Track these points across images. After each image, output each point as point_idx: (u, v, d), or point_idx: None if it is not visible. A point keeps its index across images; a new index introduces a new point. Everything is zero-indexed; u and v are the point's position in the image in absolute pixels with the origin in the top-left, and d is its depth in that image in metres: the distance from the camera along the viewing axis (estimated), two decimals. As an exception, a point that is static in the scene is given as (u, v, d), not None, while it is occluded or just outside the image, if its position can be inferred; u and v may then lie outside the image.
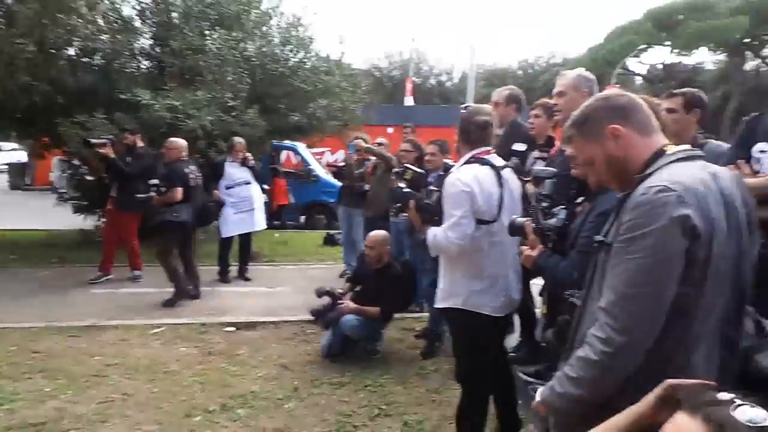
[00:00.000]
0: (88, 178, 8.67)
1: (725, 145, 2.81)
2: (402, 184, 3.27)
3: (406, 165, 4.28)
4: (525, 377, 3.48)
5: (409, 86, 26.81)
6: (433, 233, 2.68)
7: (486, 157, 2.70)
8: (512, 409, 2.99)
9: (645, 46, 37.43)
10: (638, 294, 1.37)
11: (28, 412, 3.34)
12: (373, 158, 6.15)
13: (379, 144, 6.00)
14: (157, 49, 8.04)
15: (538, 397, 1.58)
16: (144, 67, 8.57)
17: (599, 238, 1.59)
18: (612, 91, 1.73)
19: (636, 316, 1.37)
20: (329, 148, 15.40)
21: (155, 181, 5.79)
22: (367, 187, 6.12)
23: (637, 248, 1.38)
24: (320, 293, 4.39)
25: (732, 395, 1.04)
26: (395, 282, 4.33)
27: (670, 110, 2.77)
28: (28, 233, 9.82)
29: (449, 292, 2.73)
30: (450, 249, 2.61)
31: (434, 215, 2.77)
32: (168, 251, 5.74)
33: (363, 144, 6.08)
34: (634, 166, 1.52)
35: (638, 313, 1.37)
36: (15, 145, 22.88)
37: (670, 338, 1.41)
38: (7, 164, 19.99)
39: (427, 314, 4.89)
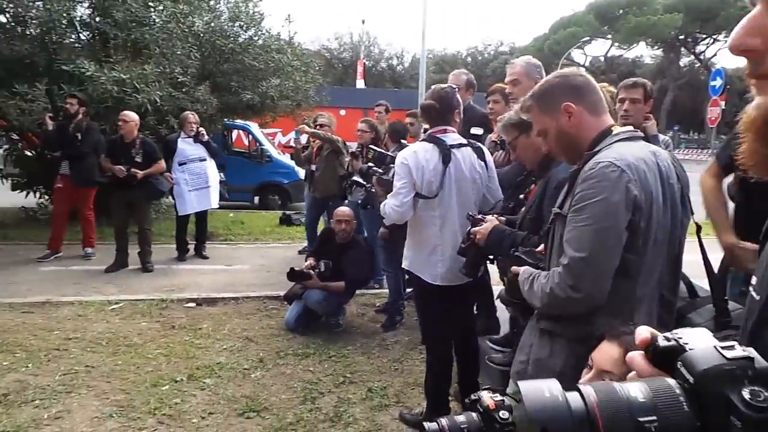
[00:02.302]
0: (28, 153, 8.31)
1: (665, 137, 3.19)
2: (369, 164, 3.43)
3: (370, 146, 4.44)
4: (490, 345, 3.70)
5: (360, 69, 26.74)
6: (383, 204, 2.93)
7: (439, 135, 2.87)
8: (472, 376, 3.22)
9: (588, 38, 38.75)
10: (588, 257, 1.55)
11: (-11, 385, 3.30)
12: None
13: (321, 126, 6.02)
14: (98, 20, 7.72)
15: (521, 272, 1.79)
16: (84, 38, 8.22)
17: (555, 210, 1.78)
18: (571, 69, 1.91)
19: (586, 277, 1.56)
20: (281, 129, 15.27)
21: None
22: (314, 167, 6.14)
23: (583, 216, 1.56)
24: (294, 276, 4.41)
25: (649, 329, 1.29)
26: (359, 257, 4.49)
27: (633, 100, 2.96)
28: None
29: (405, 255, 3.02)
30: (391, 215, 2.85)
31: (391, 188, 2.97)
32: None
33: (307, 128, 6.12)
34: (584, 142, 1.69)
35: (588, 273, 1.56)
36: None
37: (617, 298, 1.62)
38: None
39: (386, 290, 5.07)
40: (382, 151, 4.34)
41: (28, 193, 8.26)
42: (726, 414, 0.54)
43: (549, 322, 1.76)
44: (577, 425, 0.55)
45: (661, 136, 3.18)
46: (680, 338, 0.61)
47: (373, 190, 3.56)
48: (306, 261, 4.67)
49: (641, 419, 0.56)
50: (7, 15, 7.34)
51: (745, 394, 0.54)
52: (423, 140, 2.94)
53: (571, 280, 1.57)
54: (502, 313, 3.87)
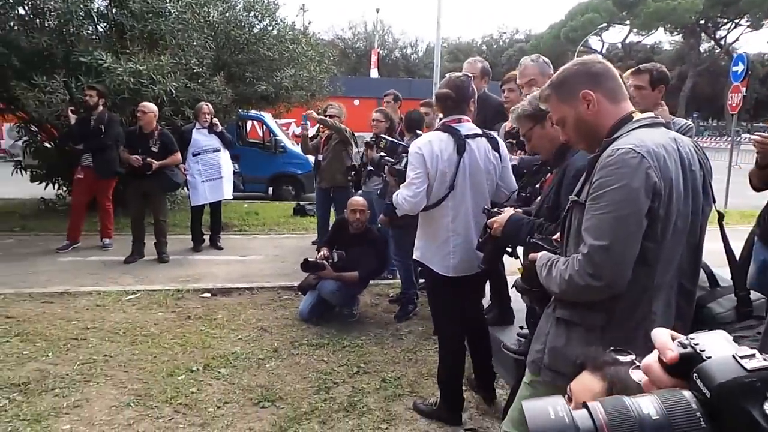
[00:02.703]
0: (47, 145, 8.42)
1: (689, 122, 3.05)
2: (381, 153, 3.41)
3: (381, 136, 4.41)
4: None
5: (374, 58, 26.62)
6: (396, 194, 2.90)
7: (454, 125, 2.84)
8: (486, 364, 3.21)
9: (605, 24, 38.08)
10: (608, 246, 1.51)
11: (10, 373, 3.35)
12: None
13: (331, 116, 5.92)
14: (115, 11, 7.77)
15: (539, 258, 1.76)
16: (102, 29, 8.28)
17: (573, 197, 1.74)
18: (589, 57, 1.86)
19: (607, 265, 1.52)
20: (295, 120, 15.28)
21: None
22: (321, 157, 6.07)
23: (602, 204, 1.52)
24: (307, 267, 4.40)
25: (632, 357, 1.23)
26: (373, 247, 4.47)
27: (637, 87, 2.93)
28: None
29: (416, 246, 3.01)
30: (404, 206, 2.82)
31: (404, 178, 2.96)
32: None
33: (315, 115, 5.99)
34: (603, 130, 1.66)
35: (609, 262, 1.52)
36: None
37: (636, 287, 1.59)
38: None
39: (399, 280, 5.06)
40: (394, 140, 4.31)
41: (47, 184, 8.38)
42: (746, 428, 0.51)
43: (566, 311, 1.73)
44: None
45: (681, 121, 3.08)
46: (697, 344, 0.57)
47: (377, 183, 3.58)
48: (319, 251, 4.67)
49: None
50: (26, 7, 7.41)
51: (767, 408, 0.51)
52: (437, 130, 2.90)
53: (591, 268, 1.54)
54: (515, 303, 3.84)
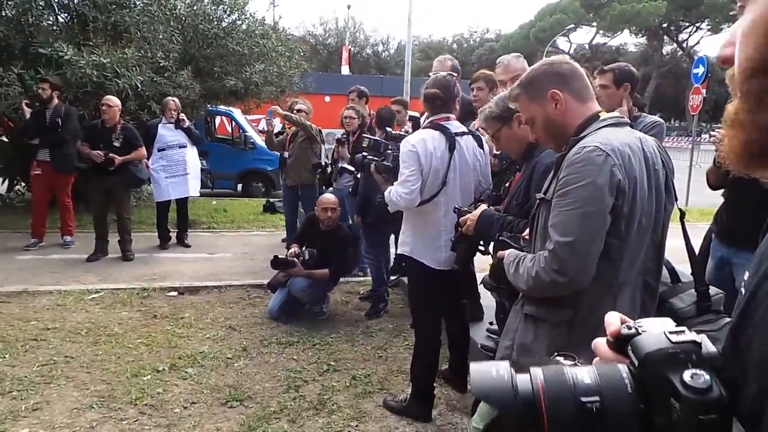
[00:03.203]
0: (4, 139, 8.11)
1: (658, 119, 3.08)
2: (363, 153, 3.40)
3: (364, 135, 4.36)
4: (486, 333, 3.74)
5: (345, 55, 26.49)
6: (388, 190, 2.90)
7: (443, 123, 2.88)
8: (464, 358, 3.24)
9: (573, 25, 38.84)
10: (573, 242, 1.54)
11: (-36, 377, 3.23)
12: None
13: (299, 111, 5.83)
14: (76, 1, 7.52)
15: (506, 255, 1.79)
16: (63, 20, 8.00)
17: (540, 195, 1.77)
18: (557, 57, 1.89)
19: (572, 261, 1.55)
20: (264, 116, 15.10)
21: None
22: (286, 154, 5.99)
23: (569, 201, 1.55)
24: (277, 264, 4.35)
25: (574, 361, 1.27)
26: (344, 244, 4.46)
27: (602, 86, 2.99)
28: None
29: (403, 241, 3.01)
30: (399, 203, 2.83)
31: (394, 174, 2.98)
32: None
33: (280, 110, 5.85)
34: (570, 129, 1.69)
35: (574, 258, 1.55)
36: None
37: (600, 283, 1.62)
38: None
39: (370, 278, 5.05)
40: (378, 138, 4.26)
41: (4, 180, 8.08)
42: (667, 395, 0.55)
43: (533, 307, 1.75)
44: (521, 405, 0.58)
45: (650, 118, 3.13)
46: (640, 326, 0.62)
47: (359, 177, 3.56)
48: (289, 249, 4.61)
49: (584, 399, 0.59)
50: (-19, -4, 7.10)
51: (686, 376, 0.55)
52: (427, 128, 2.92)
53: (556, 264, 1.56)
54: (485, 300, 3.88)
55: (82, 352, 3.64)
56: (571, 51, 42.20)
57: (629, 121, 1.82)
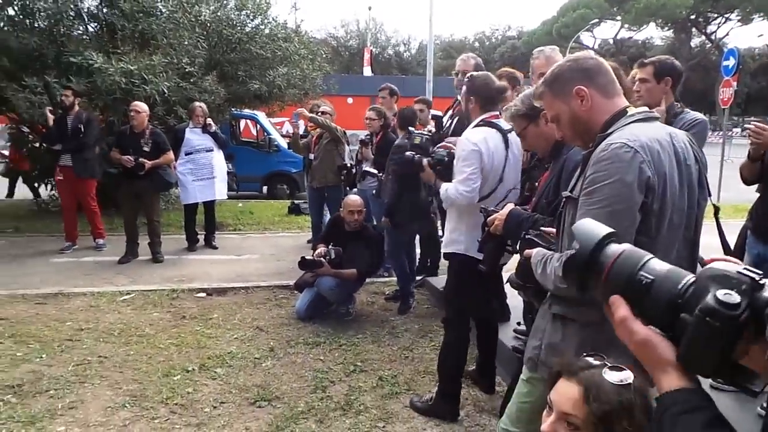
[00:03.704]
0: (37, 145, 8.36)
1: (699, 116, 2.88)
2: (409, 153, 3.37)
3: (413, 132, 4.31)
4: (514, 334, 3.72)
5: (367, 56, 26.57)
6: (445, 188, 2.90)
7: (494, 120, 2.90)
8: (491, 358, 3.22)
9: (597, 20, 38.19)
10: None
11: (4, 375, 3.33)
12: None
13: (323, 113, 5.88)
14: (105, 11, 7.72)
15: (534, 255, 1.76)
16: (92, 29, 8.22)
17: (566, 193, 1.74)
18: (582, 53, 1.86)
19: None
20: (289, 118, 15.24)
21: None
22: (312, 156, 6.02)
23: (596, 199, 1.52)
24: (305, 265, 4.38)
25: (603, 361, 1.25)
26: (369, 244, 4.47)
27: (642, 80, 2.86)
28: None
29: (454, 239, 3.00)
30: (459, 201, 2.83)
31: (449, 170, 2.99)
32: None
33: (306, 113, 5.92)
34: (596, 125, 1.65)
35: None
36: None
37: None
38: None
39: (395, 278, 5.05)
40: (428, 135, 4.16)
41: (39, 185, 8.32)
42: (698, 299, 0.68)
43: (561, 307, 1.73)
44: (599, 252, 0.84)
45: (692, 115, 2.89)
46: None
47: (383, 178, 3.54)
48: (315, 249, 4.64)
49: (642, 273, 0.77)
50: (16, 7, 7.34)
51: (721, 293, 0.65)
52: (480, 125, 2.90)
53: None
54: (511, 299, 3.84)
55: (115, 352, 3.73)
56: (596, 46, 41.51)
57: (658, 116, 1.77)
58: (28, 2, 7.19)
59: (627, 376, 1.17)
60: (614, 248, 0.82)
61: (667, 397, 0.77)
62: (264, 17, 9.53)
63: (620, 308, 0.81)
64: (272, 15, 9.73)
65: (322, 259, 4.35)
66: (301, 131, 6.56)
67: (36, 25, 7.48)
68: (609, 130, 1.62)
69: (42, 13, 7.35)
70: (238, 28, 8.97)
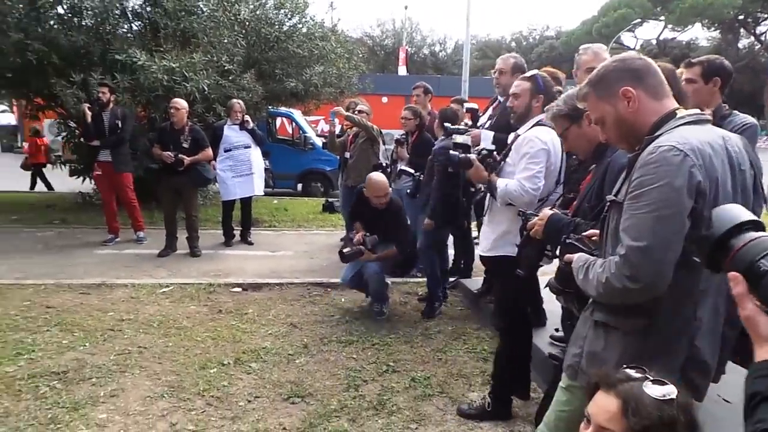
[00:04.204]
0: (82, 140, 8.66)
1: (750, 120, 2.76)
2: (482, 147, 3.33)
3: (447, 126, 4.24)
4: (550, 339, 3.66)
5: (402, 56, 26.53)
6: (505, 183, 2.83)
7: (547, 122, 2.83)
8: (527, 364, 3.19)
9: (639, 20, 37.17)
10: (646, 247, 1.45)
11: (49, 362, 3.46)
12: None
13: (360, 112, 5.88)
14: (149, 9, 7.93)
15: (575, 260, 1.72)
16: (136, 27, 8.46)
17: (610, 197, 1.69)
18: (628, 53, 1.81)
19: (645, 267, 1.46)
20: (324, 117, 15.37)
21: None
22: (347, 155, 6.03)
23: (643, 203, 1.47)
24: (347, 258, 4.40)
25: (645, 374, 1.19)
26: (397, 213, 4.50)
27: (688, 81, 2.74)
28: (26, 195, 9.85)
29: (503, 241, 2.93)
30: (522, 199, 2.76)
31: (496, 166, 2.96)
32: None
33: (343, 111, 5.92)
34: (644, 128, 1.59)
35: (647, 263, 1.46)
36: (4, 107, 22.58)
37: (679, 291, 1.53)
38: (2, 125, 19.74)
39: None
40: (462, 128, 4.11)
41: (84, 178, 8.62)
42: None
43: (603, 314, 1.68)
44: (732, 234, 1.01)
45: (742, 118, 2.77)
46: None
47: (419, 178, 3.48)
48: (354, 235, 4.57)
49: (762, 261, 0.91)
50: (65, 6, 7.62)
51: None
52: (542, 125, 2.84)
53: (628, 270, 1.48)
54: (548, 304, 3.77)
55: (154, 343, 3.83)
56: (637, 47, 40.40)
57: (710, 118, 1.70)
58: (76, 1, 7.47)
59: (670, 390, 1.13)
60: (748, 235, 0.95)
61: (755, 364, 0.93)
62: (301, 16, 9.65)
63: (738, 285, 0.95)
64: (309, 14, 9.87)
65: (361, 247, 4.36)
66: (336, 130, 6.60)
67: (83, 23, 7.75)
68: (657, 133, 1.57)
69: (89, 12, 7.61)
70: (276, 26, 9.09)
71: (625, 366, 1.29)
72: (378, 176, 4.58)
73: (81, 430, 2.79)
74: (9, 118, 19.79)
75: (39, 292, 4.72)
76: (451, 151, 3.16)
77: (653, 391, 1.14)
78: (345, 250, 4.40)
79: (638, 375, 1.21)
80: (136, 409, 3.00)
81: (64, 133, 8.80)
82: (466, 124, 4.35)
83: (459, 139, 3.40)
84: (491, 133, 3.84)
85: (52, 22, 7.53)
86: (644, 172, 1.48)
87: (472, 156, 3.08)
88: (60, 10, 7.71)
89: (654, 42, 41.15)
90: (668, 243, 1.47)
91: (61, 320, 4.12)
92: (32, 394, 3.09)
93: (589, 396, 1.29)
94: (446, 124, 4.30)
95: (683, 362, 1.64)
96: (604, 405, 1.20)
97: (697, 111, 1.68)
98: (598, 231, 1.82)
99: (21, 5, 7.03)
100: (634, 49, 39.29)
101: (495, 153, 3.06)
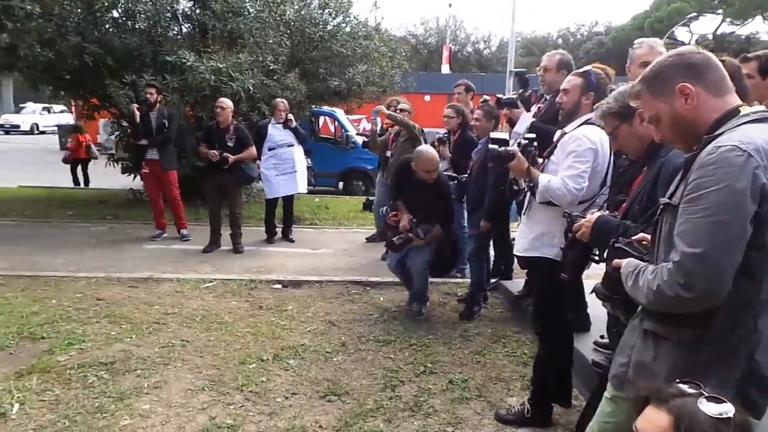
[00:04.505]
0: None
1: None
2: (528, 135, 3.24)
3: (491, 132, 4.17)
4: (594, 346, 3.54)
5: (446, 54, 26.37)
6: (548, 179, 2.73)
7: (596, 121, 2.73)
8: (569, 370, 3.08)
9: (695, 14, 35.63)
10: (703, 254, 1.36)
11: (98, 353, 3.59)
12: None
13: (402, 110, 5.84)
14: (198, 12, 8.14)
15: (624, 265, 1.63)
16: (186, 29, 8.71)
17: (664, 200, 1.59)
18: (686, 47, 1.70)
19: (701, 275, 1.37)
20: (366, 116, 15.43)
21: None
22: (389, 153, 5.98)
23: (700, 207, 1.37)
24: (396, 247, 4.34)
25: (699, 389, 1.10)
26: (439, 188, 4.39)
27: (746, 76, 2.64)
28: (81, 191, 10.33)
29: (540, 242, 2.84)
30: (564, 199, 2.67)
31: (536, 157, 2.87)
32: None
33: (385, 110, 5.89)
34: (703, 126, 1.49)
35: (703, 271, 1.36)
36: (63, 107, 23.82)
37: (738, 301, 1.43)
38: (57, 126, 20.74)
39: (468, 280, 4.95)
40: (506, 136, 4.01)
41: (134, 175, 8.94)
42: None
43: (653, 323, 1.59)
44: None
45: None
46: None
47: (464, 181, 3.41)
48: (391, 218, 4.52)
49: None
50: (119, 10, 7.92)
51: None
52: (590, 124, 2.75)
53: (682, 278, 1.39)
54: (592, 309, 3.64)
55: (196, 337, 3.92)
56: (692, 42, 38.74)
57: None
58: (130, 5, 7.76)
59: (726, 408, 1.05)
60: None
61: None
62: (345, 15, 9.70)
63: None
64: (353, 13, 9.89)
65: (409, 235, 4.28)
66: (377, 129, 6.59)
67: (137, 26, 8.04)
68: (718, 132, 1.46)
69: (142, 15, 7.90)
70: (321, 26, 9.17)
71: (678, 380, 1.21)
72: (428, 149, 4.43)
73: (125, 419, 2.88)
74: (68, 118, 20.82)
75: (90, 285, 4.92)
76: (491, 145, 3.06)
77: (709, 408, 1.06)
78: (395, 239, 4.32)
79: (693, 390, 1.13)
80: (177, 401, 3.07)
81: (117, 132, 9.16)
82: (518, 92, 4.23)
83: (495, 134, 3.31)
84: (530, 116, 3.74)
85: (107, 26, 7.85)
86: (702, 174, 1.39)
87: (514, 148, 2.98)
88: (115, 14, 8.02)
89: (710, 37, 39.32)
90: (727, 250, 1.37)
91: (110, 312, 4.27)
92: (81, 383, 3.21)
93: (638, 410, 1.22)
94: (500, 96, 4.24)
95: (741, 378, 1.53)
96: (654, 421, 1.13)
97: (763, 108, 1.56)
98: (648, 235, 1.73)
99: (79, 10, 7.37)
100: (689, 44, 37.60)
101: (536, 143, 2.93)
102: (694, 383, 1.16)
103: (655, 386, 1.23)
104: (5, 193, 9.86)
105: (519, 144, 3.01)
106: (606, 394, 1.77)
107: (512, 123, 4.24)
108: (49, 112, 28.37)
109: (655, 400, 1.16)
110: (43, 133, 25.89)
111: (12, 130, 26.63)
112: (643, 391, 1.25)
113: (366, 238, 7.09)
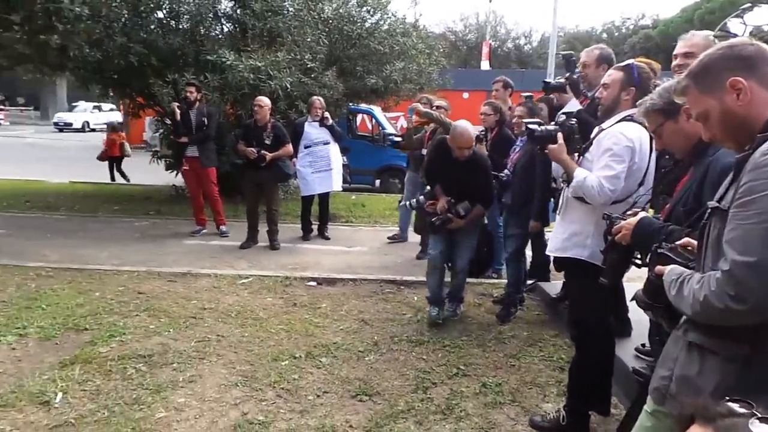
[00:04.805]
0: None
1: None
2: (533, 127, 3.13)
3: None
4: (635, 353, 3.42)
5: (485, 50, 26.02)
6: (584, 175, 2.64)
7: (638, 118, 2.62)
8: (609, 378, 2.97)
9: (750, 4, 33.88)
10: (755, 263, 1.26)
11: (138, 345, 3.69)
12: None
13: (438, 107, 5.77)
14: (239, 11, 8.27)
15: (667, 272, 1.55)
16: (227, 29, 8.87)
17: (712, 203, 1.50)
18: (737, 39, 1.58)
19: (753, 286, 1.27)
20: (404, 113, 15.37)
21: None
22: (424, 151, 5.87)
23: (753, 212, 1.28)
24: (437, 229, 4.24)
25: (751, 409, 1.00)
26: (483, 168, 4.26)
27: None
28: (127, 188, 10.69)
29: (572, 242, 2.75)
30: (598, 199, 2.58)
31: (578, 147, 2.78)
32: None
33: (421, 108, 5.80)
34: (757, 123, 1.39)
35: (755, 282, 1.27)
36: (112, 106, 24.72)
37: None
38: (106, 124, 21.55)
39: (504, 280, 4.86)
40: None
41: (177, 172, 9.18)
42: None
43: (699, 335, 1.49)
44: None
45: None
46: None
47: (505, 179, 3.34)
48: (427, 202, 4.41)
49: None
50: (164, 11, 8.14)
51: None
52: (629, 121, 2.65)
53: (732, 289, 1.29)
54: (634, 314, 3.50)
55: (231, 333, 3.97)
56: (746, 34, 36.95)
57: None
58: (174, 6, 7.95)
59: None
60: None
61: None
62: (383, 13, 9.67)
63: None
64: (392, 10, 9.85)
65: (449, 215, 4.14)
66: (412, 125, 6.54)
67: (180, 26, 8.24)
68: None
69: (185, 16, 8.08)
70: (359, 24, 9.17)
71: (727, 398, 1.13)
72: (464, 125, 4.19)
73: (160, 412, 2.94)
74: (117, 116, 21.61)
75: (132, 279, 5.07)
76: (530, 125, 2.94)
77: (761, 430, 0.98)
78: (434, 219, 4.20)
79: (743, 410, 1.04)
80: (211, 396, 3.12)
81: (161, 130, 9.42)
82: (566, 77, 4.13)
83: (530, 121, 3.19)
84: (578, 104, 3.64)
85: (152, 26, 8.07)
86: (756, 176, 1.29)
87: (555, 128, 2.87)
88: (160, 15, 8.24)
89: (766, 28, 37.48)
90: None
91: (150, 306, 4.39)
92: (120, 375, 3.30)
93: (681, 428, 1.14)
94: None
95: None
96: None
97: None
98: (693, 240, 1.63)
99: (126, 11, 7.60)
100: (742, 36, 35.92)
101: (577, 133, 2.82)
102: (746, 402, 1.07)
103: (701, 403, 1.14)
104: (58, 189, 10.32)
105: (557, 122, 2.89)
106: (646, 407, 1.68)
107: (560, 108, 4.12)
108: (99, 110, 29.57)
109: (701, 418, 1.07)
110: (93, 130, 26.98)
111: (65, 128, 27.94)
112: (688, 408, 1.17)
113: (388, 238, 7.03)
